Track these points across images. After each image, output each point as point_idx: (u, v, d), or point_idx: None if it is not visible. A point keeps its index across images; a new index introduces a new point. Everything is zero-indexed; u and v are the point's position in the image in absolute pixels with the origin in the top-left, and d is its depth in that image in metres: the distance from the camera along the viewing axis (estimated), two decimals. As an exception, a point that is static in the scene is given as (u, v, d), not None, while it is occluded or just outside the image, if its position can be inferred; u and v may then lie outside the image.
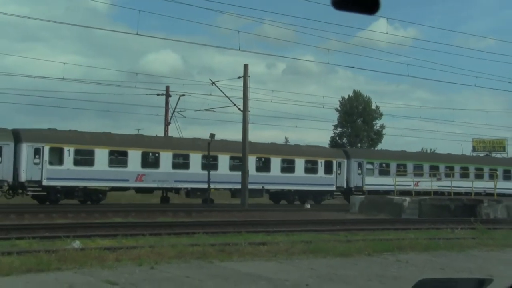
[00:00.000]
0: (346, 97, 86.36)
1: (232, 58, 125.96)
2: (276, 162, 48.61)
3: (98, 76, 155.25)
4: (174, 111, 54.28)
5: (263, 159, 48.81)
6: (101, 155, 41.57)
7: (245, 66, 43.53)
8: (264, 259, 14.41)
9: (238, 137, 44.50)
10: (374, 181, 51.59)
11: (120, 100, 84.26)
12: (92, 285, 10.51)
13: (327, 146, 72.89)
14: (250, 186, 42.93)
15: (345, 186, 51.46)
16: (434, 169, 54.25)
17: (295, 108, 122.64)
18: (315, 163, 50.25)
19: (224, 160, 46.53)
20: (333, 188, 50.86)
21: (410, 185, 47.09)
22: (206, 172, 42.51)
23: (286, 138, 79.04)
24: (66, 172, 39.81)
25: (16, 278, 10.81)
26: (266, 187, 47.77)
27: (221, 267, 13.02)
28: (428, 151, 79.65)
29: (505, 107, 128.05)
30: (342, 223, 27.82)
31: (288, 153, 50.43)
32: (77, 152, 40.94)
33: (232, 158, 46.66)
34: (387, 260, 14.85)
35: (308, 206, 44.09)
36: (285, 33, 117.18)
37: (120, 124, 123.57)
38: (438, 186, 48.60)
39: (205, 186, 42.51)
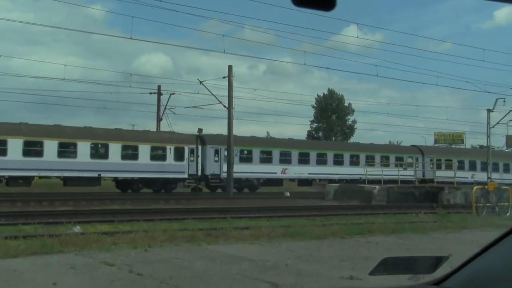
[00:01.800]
0: (321, 95, 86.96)
1: (217, 60, 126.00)
2: (115, 148, 41.63)
3: (96, 77, 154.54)
4: (165, 108, 54.27)
5: (99, 145, 42.32)
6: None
7: (230, 67, 43.79)
8: (247, 242, 14.44)
9: (224, 131, 44.58)
10: (235, 169, 43.93)
11: (116, 98, 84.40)
12: (91, 266, 10.48)
13: (304, 139, 72.72)
14: (83, 174, 39.39)
15: (199, 173, 45.36)
16: (304, 156, 51.11)
17: (275, 105, 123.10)
18: (163, 149, 43.90)
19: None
20: (185, 175, 44.54)
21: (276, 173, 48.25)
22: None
23: (267, 132, 79.13)
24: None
25: (22, 260, 10.78)
26: (103, 174, 41.19)
27: (208, 249, 13.03)
28: (395, 143, 80.00)
29: (463, 104, 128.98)
30: (318, 209, 27.93)
31: (132, 139, 43.09)
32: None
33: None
34: (358, 242, 14.92)
35: (288, 194, 44.14)
36: (265, 37, 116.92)
37: (116, 120, 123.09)
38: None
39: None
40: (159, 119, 54.48)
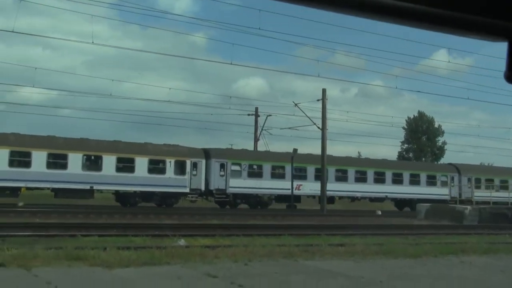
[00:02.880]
0: (412, 117, 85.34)
1: (311, 83, 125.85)
2: (109, 161, 38.52)
3: (197, 99, 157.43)
4: (262, 129, 54.80)
5: (92, 157, 39.09)
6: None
7: (323, 90, 43.90)
8: (342, 258, 14.24)
9: (317, 151, 44.39)
10: (242, 184, 42.20)
11: (216, 119, 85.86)
12: (196, 277, 10.62)
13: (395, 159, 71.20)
14: (76, 186, 36.58)
15: (203, 188, 41.53)
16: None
17: (366, 126, 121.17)
18: (162, 162, 40.54)
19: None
20: (187, 190, 40.68)
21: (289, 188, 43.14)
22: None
23: (359, 152, 78.18)
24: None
25: (134, 270, 11.04)
26: (96, 187, 38.03)
27: (305, 265, 12.95)
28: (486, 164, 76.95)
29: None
30: (410, 228, 27.25)
31: (128, 151, 39.54)
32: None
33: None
34: (451, 262, 14.41)
35: (379, 212, 43.30)
36: (356, 62, 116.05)
37: (216, 140, 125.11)
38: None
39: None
40: (256, 140, 54.95)
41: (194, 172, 40.94)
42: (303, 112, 45.75)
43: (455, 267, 13.51)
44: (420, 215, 38.12)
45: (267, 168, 44.23)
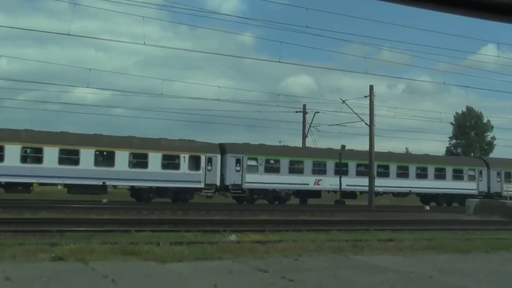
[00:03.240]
0: (460, 112, 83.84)
1: (358, 80, 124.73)
2: (122, 156, 37.82)
3: (246, 97, 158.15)
4: (310, 126, 54.69)
5: (105, 152, 38.57)
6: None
7: (371, 87, 43.50)
8: (391, 253, 14.08)
9: (365, 147, 44.04)
10: (259, 179, 41.40)
11: (264, 117, 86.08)
12: (246, 272, 10.65)
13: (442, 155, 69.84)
14: (88, 182, 36.21)
15: (218, 183, 40.57)
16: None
17: (414, 122, 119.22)
18: (176, 158, 39.71)
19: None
20: (201, 185, 39.78)
21: (308, 184, 42.61)
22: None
23: (406, 148, 77.18)
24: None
25: (186, 264, 11.15)
26: (108, 182, 37.68)
27: (354, 259, 12.84)
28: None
29: None
30: (459, 223, 26.75)
31: (141, 147, 38.78)
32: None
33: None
34: (504, 257, 14.08)
35: (428, 208, 42.65)
36: (403, 58, 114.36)
37: (264, 137, 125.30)
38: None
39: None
40: (304, 136, 54.85)
41: (209, 168, 40.14)
42: (350, 108, 45.38)
43: (508, 263, 13.20)
44: (469, 210, 37.35)
45: (284, 163, 43.13)
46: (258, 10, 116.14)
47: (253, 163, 41.94)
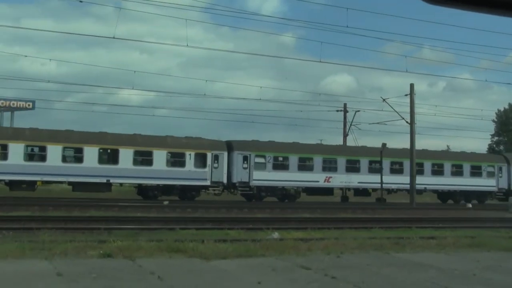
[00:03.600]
0: (502, 109, 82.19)
1: (398, 79, 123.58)
2: (125, 154, 37.45)
3: (287, 97, 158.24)
4: (351, 125, 54.51)
5: (108, 150, 38.18)
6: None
7: (411, 85, 43.10)
8: (433, 251, 13.88)
9: (406, 145, 43.57)
10: (267, 176, 40.49)
11: (305, 116, 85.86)
12: (289, 269, 10.64)
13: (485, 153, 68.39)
14: (92, 180, 35.97)
15: (224, 181, 39.77)
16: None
17: (455, 120, 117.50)
18: (181, 155, 39.01)
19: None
20: (207, 183, 39.06)
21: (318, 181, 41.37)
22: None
23: (447, 146, 76.01)
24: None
25: (230, 261, 11.20)
26: (112, 180, 37.29)
27: (396, 257, 12.71)
28: None
29: None
30: (502, 221, 26.22)
31: (145, 144, 38.42)
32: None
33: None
34: (550, 255, 13.73)
35: (470, 205, 41.89)
36: (444, 56, 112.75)
37: (305, 136, 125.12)
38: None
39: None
40: (345, 135, 54.65)
41: (216, 165, 39.44)
42: (391, 107, 44.94)
43: (552, 261, 12.87)
44: (511, 208, 36.65)
45: (293, 160, 42.06)
46: (298, 10, 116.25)
47: (261, 160, 41.03)
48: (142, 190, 38.76)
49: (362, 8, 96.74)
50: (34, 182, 35.92)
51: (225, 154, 39.89)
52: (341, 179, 42.96)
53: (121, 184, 39.55)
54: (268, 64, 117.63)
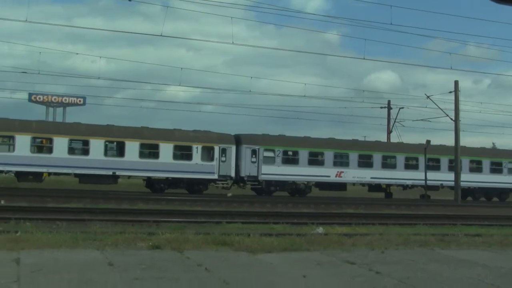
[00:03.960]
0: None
1: (442, 76, 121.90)
2: (131, 147, 37.28)
3: (331, 94, 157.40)
4: (395, 121, 54.01)
5: (115, 143, 38.29)
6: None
7: (456, 82, 42.62)
8: (479, 249, 13.63)
9: (450, 142, 42.93)
10: (276, 171, 40.06)
11: (349, 112, 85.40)
12: (334, 264, 10.63)
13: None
14: (98, 172, 36.03)
15: (232, 174, 39.31)
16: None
17: (500, 117, 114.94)
18: (188, 148, 38.64)
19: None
20: (215, 176, 38.65)
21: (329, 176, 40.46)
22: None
23: (493, 143, 74.50)
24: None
25: (276, 255, 11.24)
26: (118, 173, 37.15)
27: (441, 254, 12.54)
28: None
29: None
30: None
31: (151, 137, 38.26)
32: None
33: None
34: None
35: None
36: (489, 53, 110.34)
37: (348, 132, 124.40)
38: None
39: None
40: (389, 132, 54.16)
41: (223, 159, 38.91)
42: (435, 104, 44.34)
43: None
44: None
45: (303, 154, 41.23)
46: (342, 8, 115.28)
47: (270, 154, 40.46)
48: (150, 183, 38.83)
49: (406, 5, 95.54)
50: (41, 173, 35.97)
51: (233, 147, 39.46)
52: (353, 174, 42.18)
53: (129, 177, 39.41)
54: (312, 61, 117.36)
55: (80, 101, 58.50)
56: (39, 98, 57.12)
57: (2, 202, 24.87)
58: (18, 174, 35.44)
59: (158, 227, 16.12)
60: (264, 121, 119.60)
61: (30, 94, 56.53)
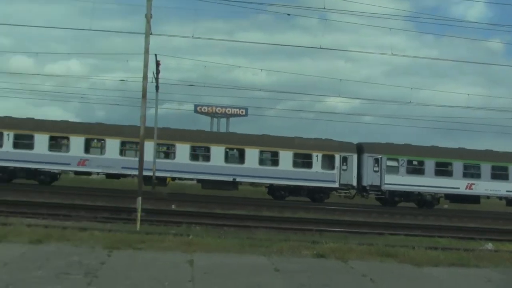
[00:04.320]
0: None
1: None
2: (251, 154, 36.75)
3: (496, 104, 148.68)
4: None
5: (235, 150, 37.89)
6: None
7: None
8: None
9: None
10: (400, 181, 37.33)
11: (514, 124, 79.92)
12: (506, 282, 10.03)
13: None
14: (219, 178, 35.74)
15: (354, 183, 37.51)
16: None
17: None
18: (308, 156, 37.29)
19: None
20: (335, 185, 37.09)
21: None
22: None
23: None
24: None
25: (442, 269, 10.85)
26: (238, 179, 36.69)
27: None
28: None
29: None
30: None
31: (271, 145, 37.53)
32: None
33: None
34: None
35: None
36: None
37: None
38: None
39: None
40: None
41: (344, 167, 37.54)
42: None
43: None
44: None
45: (430, 164, 38.43)
46: (506, 15, 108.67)
47: (394, 163, 38.23)
48: (271, 190, 38.46)
49: None
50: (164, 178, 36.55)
51: (355, 156, 38.16)
52: (485, 187, 38.53)
53: (251, 184, 39.45)
54: (476, 70, 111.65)
55: (242, 112, 60.52)
56: (204, 109, 59.87)
57: (173, 206, 26.51)
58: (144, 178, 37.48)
59: (321, 236, 16.26)
60: (425, 132, 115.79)
61: (195, 106, 59.51)
